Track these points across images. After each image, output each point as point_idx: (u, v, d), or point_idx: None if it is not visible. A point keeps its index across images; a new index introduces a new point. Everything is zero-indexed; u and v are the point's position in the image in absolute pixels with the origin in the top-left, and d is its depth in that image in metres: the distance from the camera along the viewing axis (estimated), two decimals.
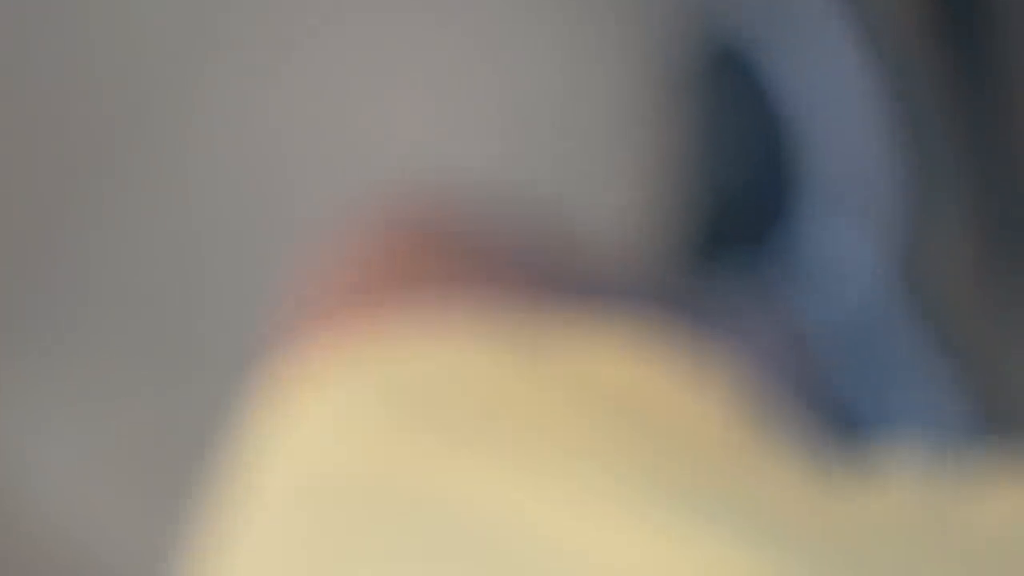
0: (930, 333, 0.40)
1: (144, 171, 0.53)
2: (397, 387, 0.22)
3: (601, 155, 0.48)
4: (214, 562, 0.22)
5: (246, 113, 0.52)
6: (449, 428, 0.22)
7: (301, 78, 0.52)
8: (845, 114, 0.42)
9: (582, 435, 0.21)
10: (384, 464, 0.21)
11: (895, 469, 0.23)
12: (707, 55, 0.44)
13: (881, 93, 0.42)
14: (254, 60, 0.52)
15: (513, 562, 0.19)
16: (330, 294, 0.26)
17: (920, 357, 0.40)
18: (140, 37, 0.54)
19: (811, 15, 0.43)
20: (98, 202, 0.53)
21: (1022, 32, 0.37)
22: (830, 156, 0.42)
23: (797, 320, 0.40)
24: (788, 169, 0.42)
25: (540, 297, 0.25)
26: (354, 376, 0.23)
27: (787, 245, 0.41)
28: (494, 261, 0.27)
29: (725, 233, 0.42)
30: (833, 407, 0.39)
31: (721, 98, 0.43)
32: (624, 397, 0.22)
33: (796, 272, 0.40)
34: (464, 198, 0.31)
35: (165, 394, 0.52)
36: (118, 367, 0.54)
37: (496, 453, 0.21)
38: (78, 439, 0.53)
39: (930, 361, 0.40)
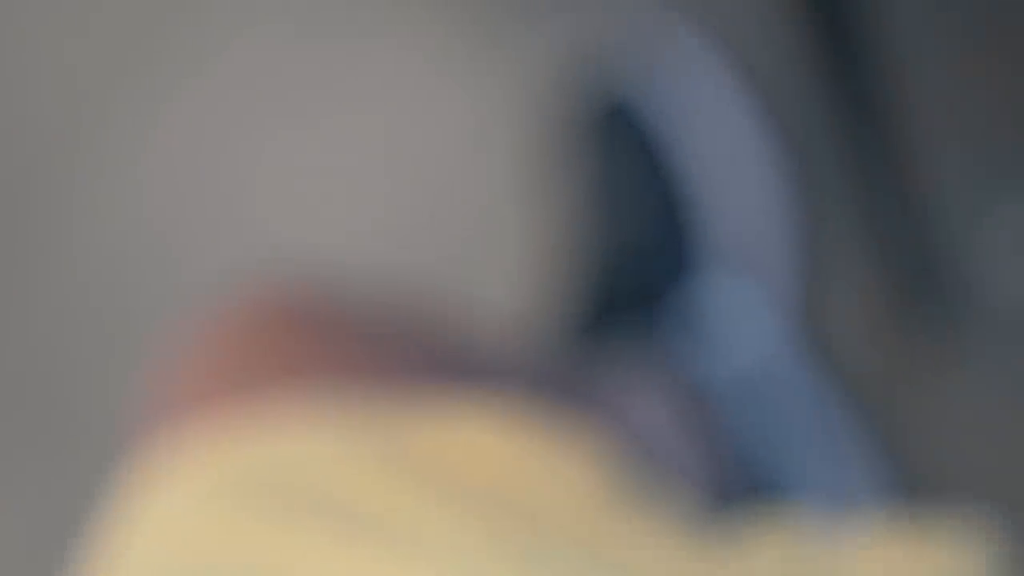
0: (829, 386, 0.41)
1: (22, 245, 0.53)
2: (254, 475, 0.23)
3: (492, 224, 0.48)
4: None
5: (124, 195, 0.51)
6: (302, 515, 0.22)
7: (179, 157, 0.52)
8: (735, 168, 0.42)
9: (436, 519, 0.22)
10: (237, 551, 0.22)
11: (771, 530, 0.25)
12: (596, 114, 0.43)
13: (772, 146, 0.42)
14: (133, 139, 0.51)
15: None
16: (194, 380, 0.26)
17: (820, 409, 0.41)
18: (23, 110, 0.54)
19: (697, 68, 0.43)
20: None
21: (913, 77, 0.38)
22: (722, 213, 0.42)
23: (695, 377, 0.40)
24: (683, 228, 0.42)
25: (407, 380, 0.25)
26: (212, 464, 0.23)
27: (684, 303, 0.41)
28: (364, 345, 0.28)
29: (622, 293, 0.42)
30: (735, 461, 0.39)
31: (613, 157, 0.43)
32: (484, 477, 0.23)
33: (694, 330, 0.40)
34: (337, 279, 0.31)
35: (46, 472, 0.50)
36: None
37: (350, 539, 0.21)
38: None
39: (830, 413, 0.41)
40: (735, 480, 0.39)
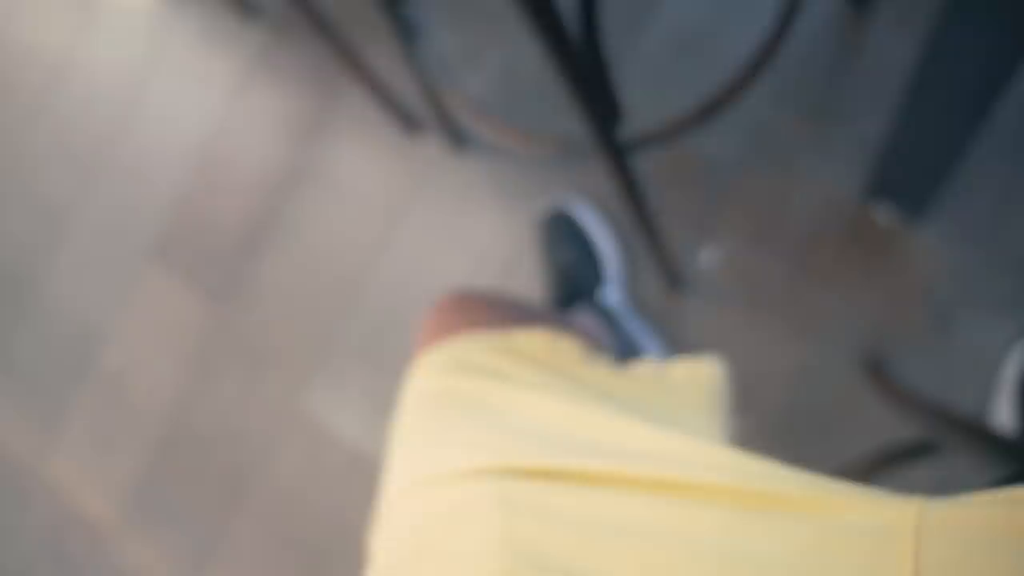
0: (642, 315, 0.95)
1: None
2: (454, 361, 0.41)
3: (522, 270, 1.01)
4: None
5: None
6: (479, 374, 0.38)
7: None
8: (604, 237, 0.97)
9: (532, 375, 0.39)
10: (457, 390, 0.38)
11: (638, 367, 0.48)
12: (552, 218, 0.98)
13: (611, 228, 0.99)
14: None
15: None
16: (428, 329, 0.46)
17: (641, 323, 0.93)
18: None
19: (585, 206, 0.97)
20: None
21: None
22: (602, 256, 0.96)
23: (602, 313, 0.91)
24: (594, 263, 0.95)
25: (512, 322, 0.45)
26: (436, 358, 0.42)
27: (596, 293, 0.94)
28: (495, 311, 0.47)
29: (571, 292, 0.95)
30: (621, 345, 0.89)
31: (561, 235, 0.97)
32: (545, 354, 0.41)
33: (599, 301, 0.94)
34: (481, 292, 0.55)
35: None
36: None
37: (505, 382, 0.38)
38: None
39: (645, 325, 0.93)
40: (622, 352, 0.87)
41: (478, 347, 0.42)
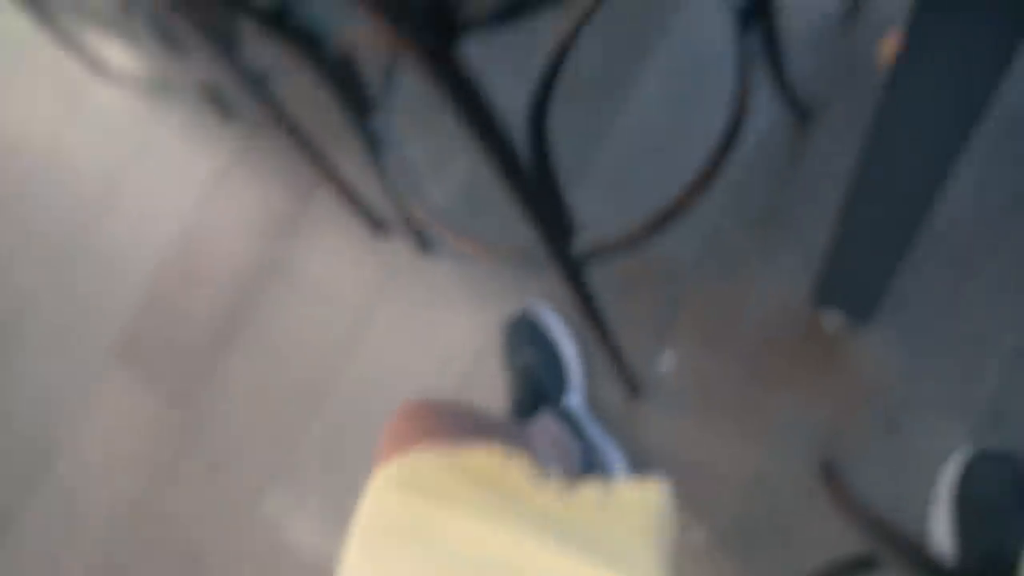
0: (599, 421, 0.96)
1: None
2: (408, 477, 0.44)
3: (486, 373, 1.02)
4: None
5: None
6: (430, 494, 0.41)
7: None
8: (564, 341, 1.00)
9: (482, 498, 0.41)
10: (406, 513, 0.41)
11: (591, 485, 0.47)
12: (517, 320, 1.01)
13: (570, 332, 1.00)
14: None
15: None
16: (388, 439, 0.49)
17: (598, 429, 0.93)
18: None
19: (548, 311, 1.02)
20: None
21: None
22: (565, 360, 0.99)
23: (563, 420, 0.92)
24: (559, 367, 0.97)
25: (468, 436, 0.47)
26: (392, 472, 0.44)
27: (560, 399, 0.95)
28: (453, 422, 0.51)
29: (535, 399, 0.94)
30: (581, 460, 0.89)
31: (522, 337, 1.00)
32: (495, 476, 0.44)
33: (561, 406, 0.95)
34: (441, 401, 0.57)
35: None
36: None
37: (454, 506, 0.40)
38: None
39: (603, 432, 0.94)
40: (581, 467, 0.87)
41: (430, 465, 0.44)
